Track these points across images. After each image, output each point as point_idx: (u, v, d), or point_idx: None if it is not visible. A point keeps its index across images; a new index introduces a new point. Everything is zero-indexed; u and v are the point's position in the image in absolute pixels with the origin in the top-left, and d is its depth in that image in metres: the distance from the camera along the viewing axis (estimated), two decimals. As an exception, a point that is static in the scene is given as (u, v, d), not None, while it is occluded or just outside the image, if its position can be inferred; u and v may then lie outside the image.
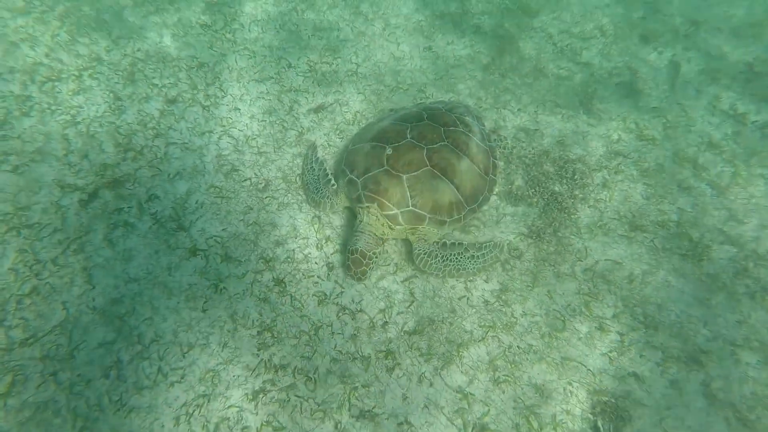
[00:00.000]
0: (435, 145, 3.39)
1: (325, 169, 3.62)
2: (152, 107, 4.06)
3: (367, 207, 3.24)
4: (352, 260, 3.12)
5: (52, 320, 2.89)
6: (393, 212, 3.21)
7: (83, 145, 3.70)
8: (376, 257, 3.20)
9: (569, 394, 2.92)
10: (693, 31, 5.62)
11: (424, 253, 3.24)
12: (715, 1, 6.14)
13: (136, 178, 3.59)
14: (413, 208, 3.21)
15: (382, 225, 3.24)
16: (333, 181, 3.53)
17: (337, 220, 3.59)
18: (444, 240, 3.35)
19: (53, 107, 3.86)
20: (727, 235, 3.72)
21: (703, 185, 4.06)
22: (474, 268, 3.30)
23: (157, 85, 4.22)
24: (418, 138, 3.41)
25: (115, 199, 3.46)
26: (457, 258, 3.28)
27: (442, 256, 3.26)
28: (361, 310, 3.15)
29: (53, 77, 4.05)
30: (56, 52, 4.23)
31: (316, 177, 3.61)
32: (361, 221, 3.28)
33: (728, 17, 5.85)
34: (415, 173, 3.25)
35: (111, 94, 4.07)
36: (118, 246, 3.24)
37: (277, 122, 4.11)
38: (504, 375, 2.96)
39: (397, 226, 3.24)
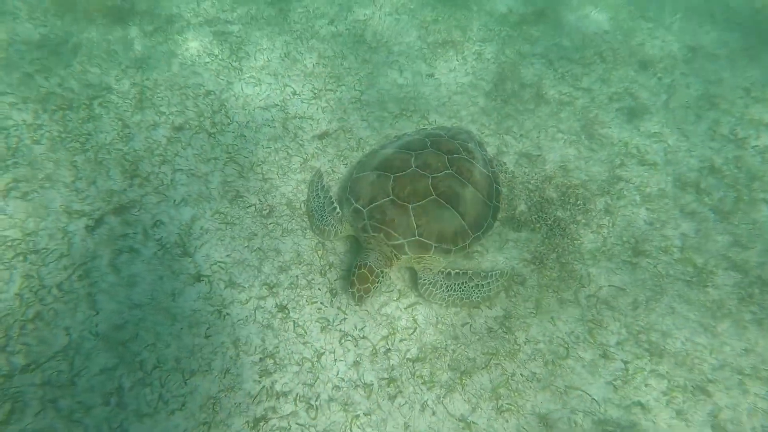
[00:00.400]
0: (440, 174, 3.43)
1: (330, 197, 3.65)
2: (160, 134, 4.14)
3: (374, 236, 3.26)
4: (358, 275, 3.06)
5: (54, 346, 2.90)
6: (399, 242, 3.21)
7: (91, 172, 3.77)
8: (383, 277, 3.16)
9: (574, 424, 2.88)
10: (691, 57, 5.71)
11: (429, 283, 3.24)
12: (711, 27, 6.25)
13: (143, 204, 3.65)
14: (419, 238, 3.22)
15: (390, 253, 3.25)
16: (338, 209, 3.55)
17: (341, 247, 3.61)
18: (448, 270, 3.34)
19: (63, 135, 3.95)
20: (732, 261, 3.71)
21: (706, 210, 4.07)
22: (478, 297, 3.29)
23: (164, 112, 4.32)
24: (423, 166, 3.45)
25: (121, 225, 3.51)
26: (461, 287, 3.27)
27: (447, 285, 3.25)
28: (364, 337, 3.14)
29: (64, 106, 4.16)
30: (68, 81, 4.36)
31: (321, 204, 3.63)
32: (369, 244, 3.29)
33: (724, 43, 5.94)
34: (421, 203, 3.28)
35: (119, 122, 4.16)
36: (123, 272, 3.27)
37: (282, 149, 4.18)
38: (507, 403, 2.92)
39: (403, 255, 3.25)
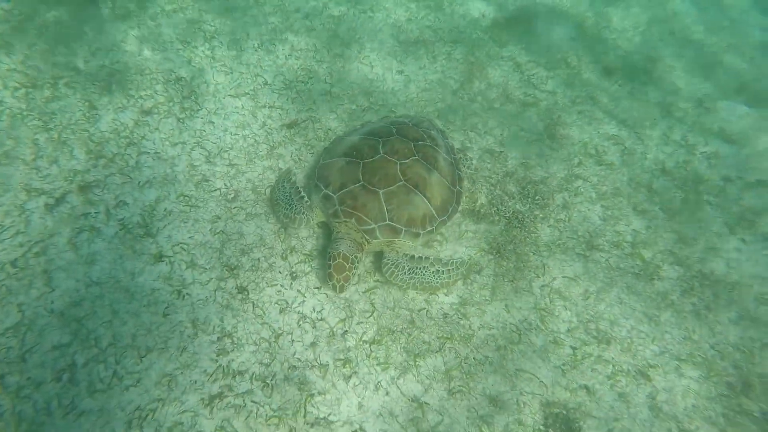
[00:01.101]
0: (407, 160, 3.53)
1: (297, 188, 3.64)
2: (127, 117, 4.12)
3: (345, 222, 3.31)
4: (335, 266, 3.10)
5: (5, 322, 2.86)
6: (371, 227, 3.28)
7: (53, 151, 3.73)
8: (358, 262, 3.22)
9: (522, 405, 3.00)
10: (650, 67, 6.00)
11: (392, 264, 3.32)
12: (670, 41, 6.58)
13: (106, 185, 3.62)
14: (390, 222, 3.30)
15: (361, 238, 3.31)
16: (306, 198, 3.55)
17: (303, 232, 3.66)
18: (412, 253, 3.43)
19: (25, 113, 3.89)
20: (677, 256, 3.92)
21: (656, 209, 4.29)
22: (438, 282, 3.38)
23: (133, 96, 4.29)
24: (391, 153, 3.54)
25: (83, 204, 3.48)
26: (422, 272, 3.36)
27: (409, 268, 3.33)
28: (322, 319, 3.20)
29: (27, 84, 4.09)
30: (33, 59, 4.29)
31: (287, 194, 3.62)
32: (339, 232, 3.33)
33: (680, 57, 6.27)
34: (391, 188, 3.36)
35: (86, 103, 4.12)
36: (83, 250, 3.24)
37: (250, 136, 4.21)
38: (459, 385, 3.02)
39: (374, 240, 3.32)
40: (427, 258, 3.42)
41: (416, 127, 3.89)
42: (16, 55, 4.26)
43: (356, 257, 3.20)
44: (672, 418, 3.00)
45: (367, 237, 3.30)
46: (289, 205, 3.55)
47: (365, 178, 3.40)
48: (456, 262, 3.47)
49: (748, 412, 3.05)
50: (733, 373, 3.24)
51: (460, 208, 3.77)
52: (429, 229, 3.45)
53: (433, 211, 3.47)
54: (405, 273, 3.31)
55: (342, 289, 3.11)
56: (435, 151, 3.69)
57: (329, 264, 3.14)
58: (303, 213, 3.48)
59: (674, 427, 2.97)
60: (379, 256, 3.45)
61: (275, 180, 3.88)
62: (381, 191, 3.35)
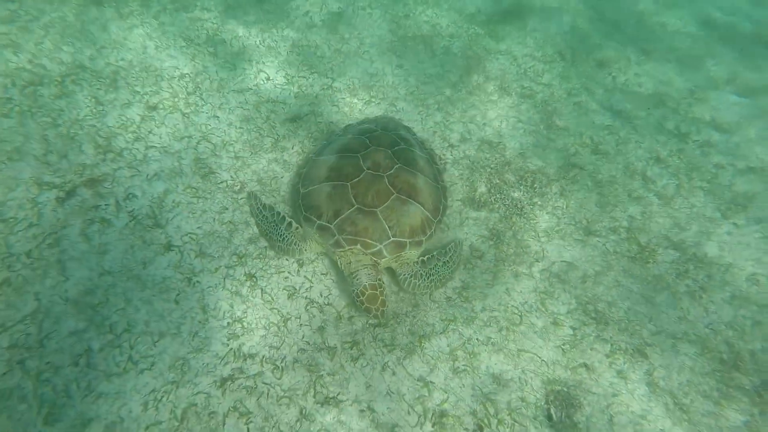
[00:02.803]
0: (392, 171, 3.53)
1: (278, 213, 3.54)
2: (133, 112, 4.21)
3: (350, 250, 3.28)
4: (367, 298, 3.04)
5: (23, 310, 2.94)
6: (377, 248, 3.26)
7: (63, 146, 3.81)
8: (384, 285, 3.18)
9: (524, 383, 3.10)
10: (644, 59, 6.12)
11: (410, 276, 3.36)
12: (663, 34, 6.71)
13: (115, 178, 3.70)
14: (394, 239, 3.31)
15: (369, 260, 3.28)
16: (294, 224, 3.46)
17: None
18: (420, 258, 3.47)
19: (33, 110, 3.97)
20: (671, 241, 4.03)
21: (651, 195, 4.40)
22: (451, 271, 3.49)
23: (138, 92, 4.38)
24: (374, 167, 3.52)
25: (93, 197, 3.56)
26: (436, 270, 3.43)
27: (425, 273, 3.39)
28: (329, 304, 3.30)
29: (35, 82, 4.18)
30: (39, 58, 4.37)
31: (273, 223, 3.50)
32: (349, 263, 3.27)
33: (673, 49, 6.39)
34: (386, 204, 3.37)
35: (93, 100, 4.20)
36: (94, 240, 3.33)
37: (254, 129, 4.30)
38: (463, 365, 3.12)
39: (382, 259, 3.31)
40: (432, 256, 3.49)
41: (386, 131, 3.90)
42: (24, 54, 4.34)
43: (380, 280, 3.17)
44: (668, 393, 3.11)
45: (376, 259, 3.27)
46: (281, 237, 3.43)
47: (359, 200, 3.35)
48: (451, 246, 3.58)
49: (740, 386, 3.17)
50: (726, 350, 3.35)
51: (448, 203, 3.84)
52: (429, 233, 3.49)
53: (429, 215, 3.52)
54: (423, 279, 3.37)
55: (383, 314, 3.08)
56: (412, 153, 3.74)
57: (359, 300, 3.08)
58: (296, 244, 3.39)
59: (670, 401, 3.08)
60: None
61: (250, 209, 3.71)
62: (378, 210, 3.33)
